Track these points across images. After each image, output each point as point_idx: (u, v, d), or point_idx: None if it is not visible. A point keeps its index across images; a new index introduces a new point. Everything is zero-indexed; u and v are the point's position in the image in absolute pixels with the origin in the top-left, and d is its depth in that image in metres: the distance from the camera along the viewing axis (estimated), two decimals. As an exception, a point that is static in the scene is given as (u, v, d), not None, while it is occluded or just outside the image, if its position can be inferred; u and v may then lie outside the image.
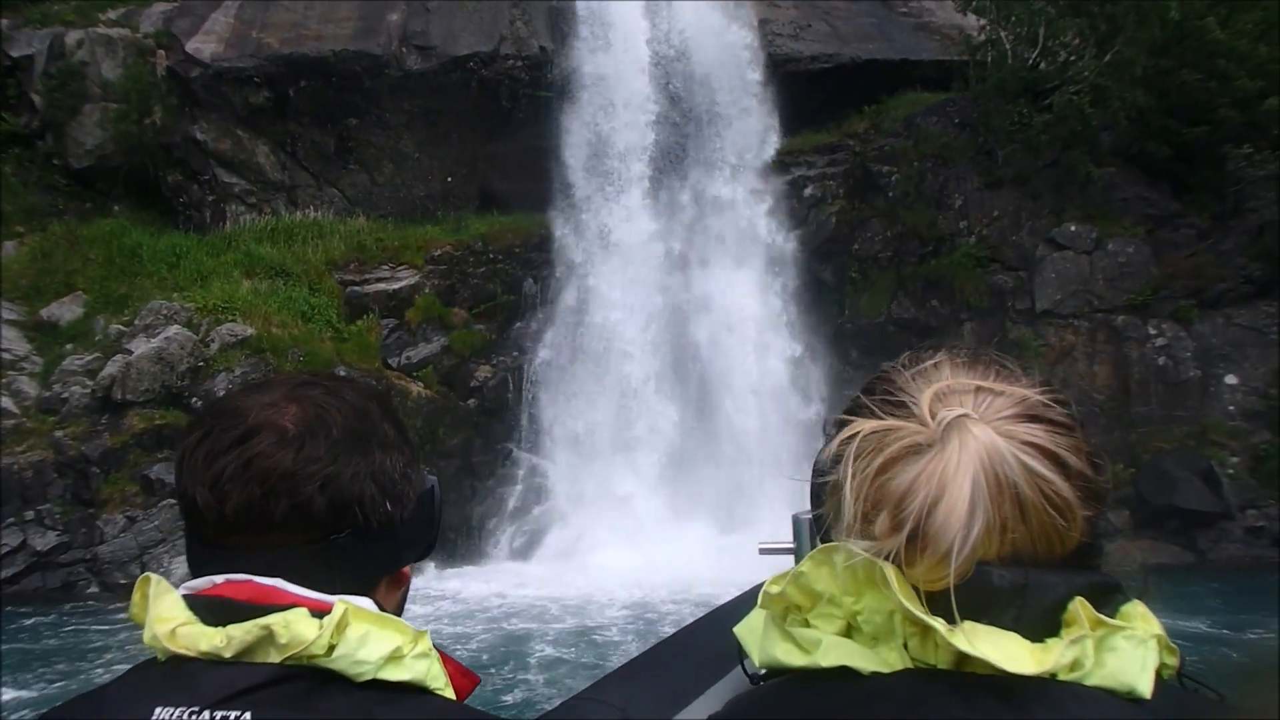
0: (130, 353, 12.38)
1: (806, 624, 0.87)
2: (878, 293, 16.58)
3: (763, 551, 1.42)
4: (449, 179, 18.03)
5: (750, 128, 17.49)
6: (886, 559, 0.81)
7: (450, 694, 1.00)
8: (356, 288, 15.23)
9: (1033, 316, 16.12)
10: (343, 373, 13.03)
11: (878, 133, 17.82)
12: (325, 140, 16.72)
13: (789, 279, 16.58)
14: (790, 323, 16.33)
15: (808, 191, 16.81)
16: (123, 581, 10.88)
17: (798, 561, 0.91)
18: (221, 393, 12.51)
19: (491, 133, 17.60)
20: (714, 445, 14.71)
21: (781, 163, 17.36)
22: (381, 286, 15.44)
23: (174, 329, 12.63)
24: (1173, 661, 0.86)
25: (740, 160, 17.25)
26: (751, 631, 0.92)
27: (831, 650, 0.84)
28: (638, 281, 16.15)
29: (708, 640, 1.39)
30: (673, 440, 14.67)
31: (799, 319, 16.38)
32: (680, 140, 17.25)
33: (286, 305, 13.94)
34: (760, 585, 0.91)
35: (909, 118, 17.66)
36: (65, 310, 13.42)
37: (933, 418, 0.84)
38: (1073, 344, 15.96)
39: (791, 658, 0.86)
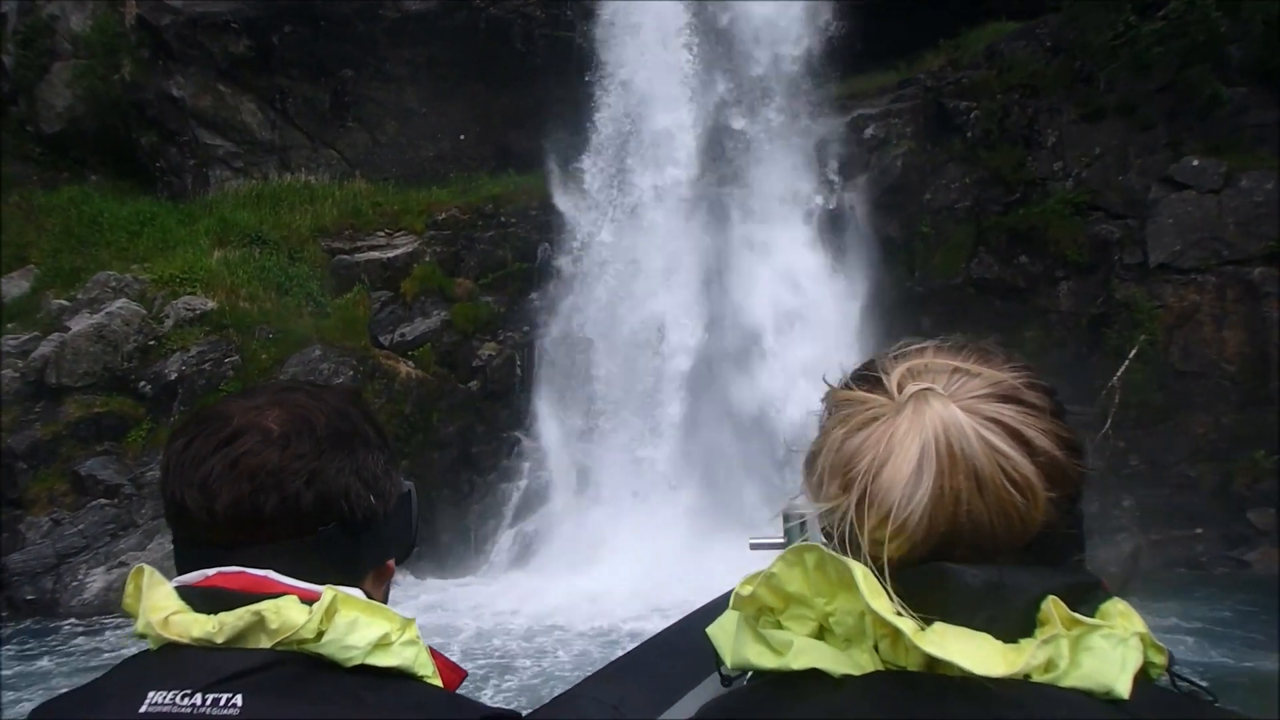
0: (68, 330, 10.73)
1: (779, 625, 0.86)
2: (954, 249, 14.09)
3: (753, 547, 1.42)
4: (461, 137, 16.08)
5: (805, 67, 15.04)
6: (846, 528, 0.82)
7: (438, 682, 1.02)
8: (345, 256, 13.39)
9: (1145, 272, 13.35)
10: (318, 352, 11.22)
11: (955, 69, 15.25)
12: (318, 95, 14.94)
13: (847, 235, 14.13)
14: (849, 287, 13.88)
15: (869, 132, 14.31)
16: (30, 597, 9.19)
17: None
18: (174, 376, 10.81)
19: (506, 83, 15.54)
20: (752, 440, 12.40)
21: (841, 105, 14.90)
22: (375, 255, 13.57)
23: (120, 303, 10.94)
24: (1161, 660, 0.84)
25: (793, 104, 14.82)
26: (724, 632, 0.91)
27: (803, 653, 0.83)
28: (671, 243, 13.91)
29: (700, 635, 1.14)
30: (704, 432, 12.42)
31: (859, 282, 13.95)
32: (723, 81, 14.93)
33: (259, 276, 12.19)
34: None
35: (991, 46, 15.02)
36: (13, 286, 11.91)
37: (900, 392, 0.87)
38: (1196, 304, 13.14)
39: (763, 659, 0.86)
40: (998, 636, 0.79)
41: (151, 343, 11.07)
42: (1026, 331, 13.36)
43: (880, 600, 0.80)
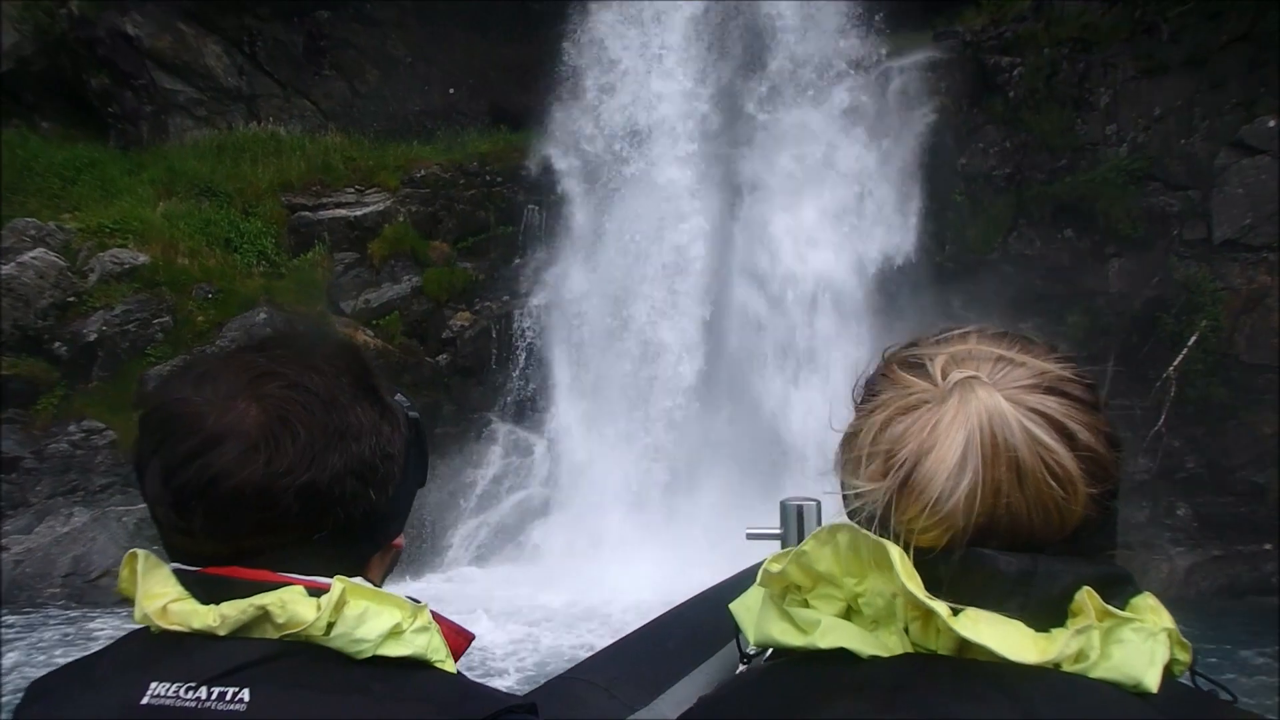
0: (-27, 283, 9.49)
1: (806, 604, 0.86)
2: (991, 222, 12.63)
3: (750, 537, 1.43)
4: (451, 91, 14.70)
5: (831, 24, 13.50)
6: (879, 510, 0.82)
7: (450, 666, 0.97)
8: (307, 213, 12.05)
9: (1209, 250, 11.80)
10: (263, 316, 9.90)
11: (997, 26, 13.68)
12: (291, 39, 13.63)
13: (871, 205, 12.60)
14: (870, 260, 12.38)
15: (895, 85, 12.72)
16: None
17: (784, 547, 1.11)
18: (94, 336, 9.53)
19: (506, 34, 14.16)
20: (758, 431, 10.94)
21: (869, 61, 13.35)
22: (341, 212, 12.24)
23: (36, 253, 9.66)
24: (1185, 658, 0.84)
25: (816, 64, 13.28)
26: (748, 610, 0.91)
27: (830, 632, 0.83)
28: (676, 211, 12.48)
29: (696, 621, 1.39)
30: (703, 424, 11.00)
31: (884, 257, 12.44)
32: (739, 37, 13.44)
33: (204, 230, 10.88)
34: (749, 568, 1.06)
35: (1038, -3, 13.43)
36: (-68, 237, 10.69)
37: (944, 378, 0.86)
38: (1266, 286, 11.55)
39: (788, 638, 0.86)
40: (1029, 625, 0.79)
41: (71, 299, 9.81)
42: (1070, 316, 11.94)
43: (915, 582, 0.79)
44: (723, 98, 13.18)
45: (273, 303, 10.62)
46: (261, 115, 13.62)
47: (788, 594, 0.86)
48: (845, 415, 0.92)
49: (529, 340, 11.61)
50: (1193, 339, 11.32)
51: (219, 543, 0.94)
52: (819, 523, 1.36)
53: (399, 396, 1.07)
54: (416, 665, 0.93)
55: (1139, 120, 12.35)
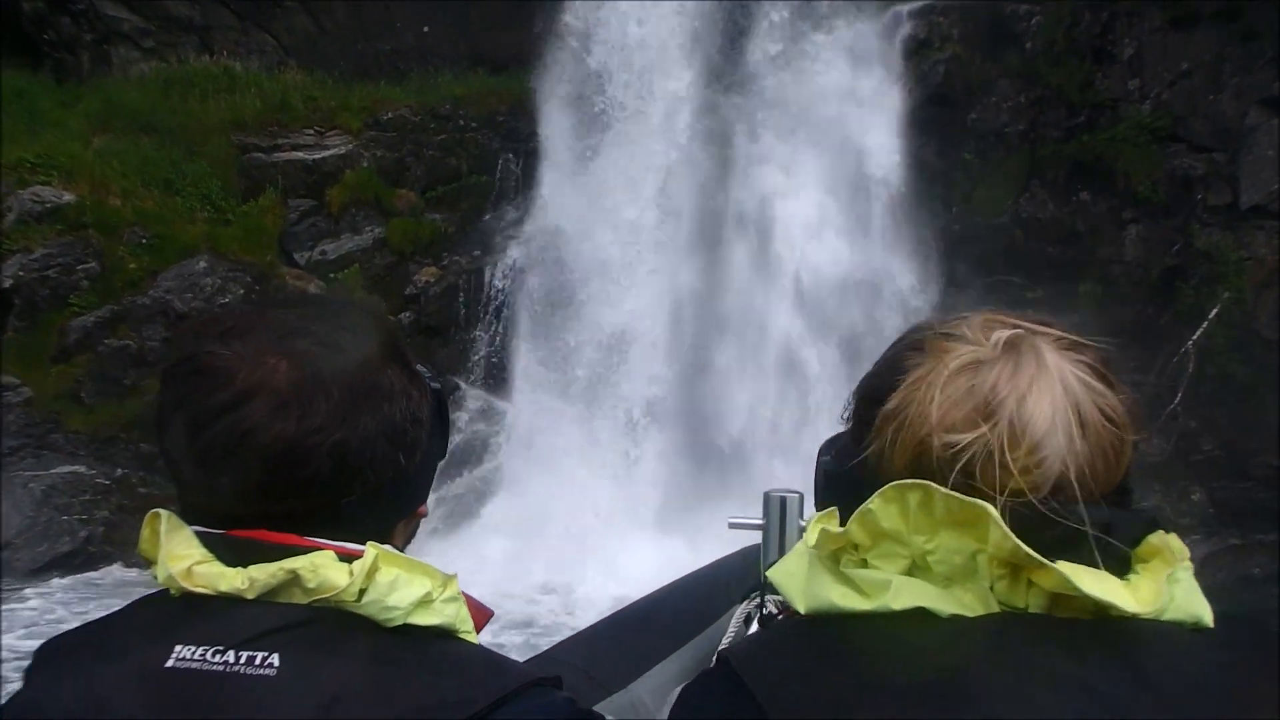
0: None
1: (864, 564, 0.84)
2: (1001, 182, 11.90)
3: (732, 526, 1.34)
4: (426, 29, 13.63)
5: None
6: (979, 460, 0.80)
7: (474, 638, 0.96)
8: (260, 154, 11.03)
9: (1234, 216, 11.07)
10: (203, 265, 8.96)
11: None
12: (250, -35, 12.53)
13: (873, 161, 11.72)
14: (870, 221, 11.53)
15: (904, 31, 11.78)
16: None
17: (766, 539, 1.13)
18: (9, 283, 8.59)
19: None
20: (742, 404, 10.11)
21: (876, 7, 12.38)
22: (298, 155, 11.23)
23: (-55, 190, 8.64)
24: None
25: (823, 8, 12.30)
26: (791, 575, 0.88)
27: (903, 591, 0.80)
28: (663, 164, 11.56)
29: (676, 606, 1.39)
30: (684, 397, 10.17)
31: (886, 219, 11.58)
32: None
33: (140, 169, 9.86)
34: (730, 555, 1.09)
35: (1059, -59, 12.51)
36: None
37: (988, 340, 0.85)
38: (1294, 257, 10.84)
39: (849, 601, 0.82)
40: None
41: (-15, 242, 8.81)
42: (1082, 285, 11.30)
43: (1015, 540, 0.77)
44: (722, 42, 12.24)
45: (216, 251, 9.65)
46: (215, 49, 12.54)
47: (842, 555, 0.85)
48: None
49: (500, 300, 10.69)
50: (1213, 312, 10.74)
51: (246, 504, 0.91)
52: (802, 515, 1.30)
53: (420, 366, 1.03)
54: (444, 635, 0.92)
55: (1164, 75, 11.57)
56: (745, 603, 1.23)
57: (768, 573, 0.91)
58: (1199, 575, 0.84)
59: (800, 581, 0.86)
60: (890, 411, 0.85)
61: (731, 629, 1.18)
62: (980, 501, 0.78)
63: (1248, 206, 11.01)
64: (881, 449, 0.85)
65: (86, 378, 8.68)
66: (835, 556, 0.84)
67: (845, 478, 0.91)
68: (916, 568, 0.81)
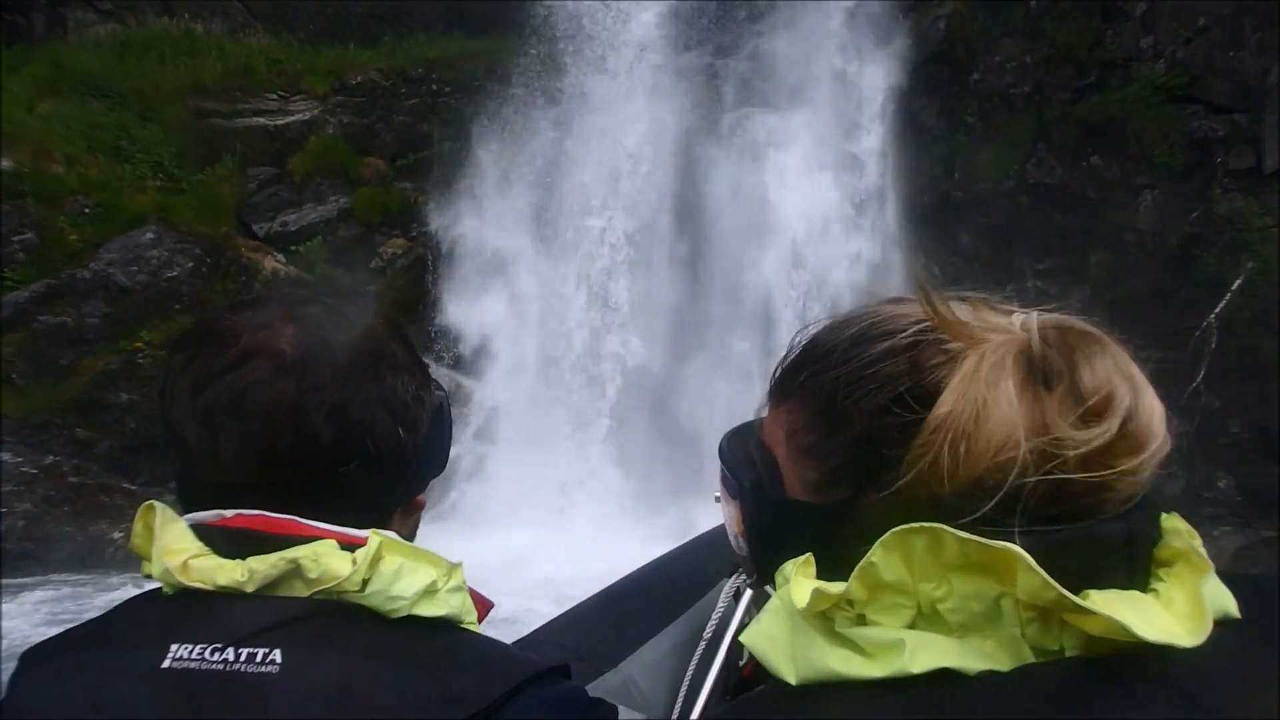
0: None
1: (863, 621, 0.70)
2: (1006, 146, 11.36)
3: (718, 500, 1.15)
4: (400, -10, 13.03)
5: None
6: (1083, 464, 0.67)
7: (478, 628, 0.94)
8: (220, 120, 10.42)
9: (1257, 180, 10.45)
10: (150, 236, 8.39)
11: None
12: (213, -76, 11.91)
13: (868, 122, 11.11)
14: (866, 188, 10.92)
15: (902, -15, 11.13)
16: None
17: None
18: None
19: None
20: (725, 386, 9.53)
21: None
22: (260, 121, 10.65)
23: None
24: None
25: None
26: (773, 640, 0.72)
27: (921, 650, 0.67)
28: (640, 130, 10.96)
29: (663, 583, 1.37)
30: (662, 376, 9.57)
31: (882, 185, 10.93)
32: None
33: (87, 135, 9.27)
34: (713, 529, 0.98)
35: (1066, -109, 11.86)
36: None
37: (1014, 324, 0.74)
38: (1323, 225, 10.24)
39: (853, 667, 0.68)
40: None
41: (-87, 212, 8.24)
42: (1094, 254, 10.81)
43: (1051, 582, 0.65)
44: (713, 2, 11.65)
45: (166, 221, 9.06)
46: (177, 11, 11.97)
47: (835, 613, 0.71)
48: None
49: (469, 272, 10.10)
50: (1236, 283, 10.20)
51: (248, 471, 0.89)
52: None
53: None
54: (450, 626, 0.90)
55: (1180, 31, 10.98)
56: (734, 576, 1.14)
57: (742, 638, 0.77)
58: (1233, 570, 0.73)
59: (785, 647, 0.72)
60: (942, 419, 0.68)
61: (720, 604, 1.12)
62: (1007, 544, 0.66)
63: (1272, 170, 10.44)
64: (923, 471, 0.69)
65: (19, 357, 8.10)
66: (827, 614, 0.71)
67: (811, 514, 0.76)
68: (923, 617, 0.69)
